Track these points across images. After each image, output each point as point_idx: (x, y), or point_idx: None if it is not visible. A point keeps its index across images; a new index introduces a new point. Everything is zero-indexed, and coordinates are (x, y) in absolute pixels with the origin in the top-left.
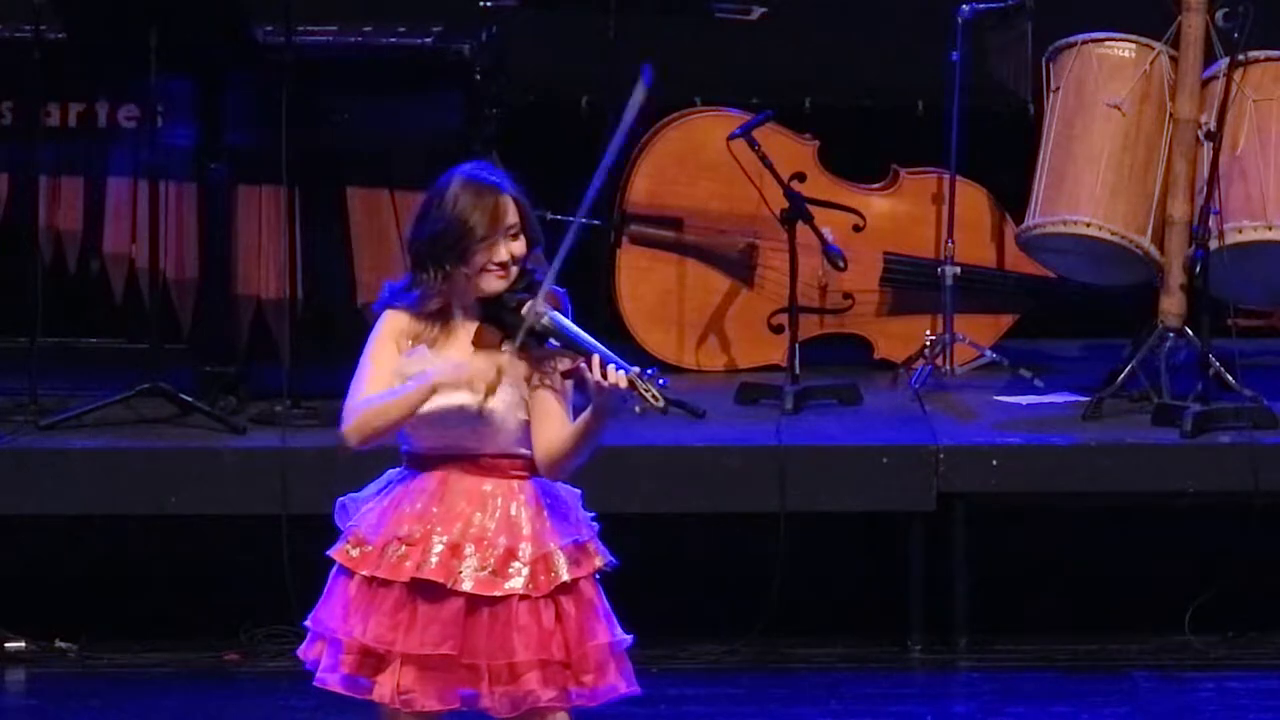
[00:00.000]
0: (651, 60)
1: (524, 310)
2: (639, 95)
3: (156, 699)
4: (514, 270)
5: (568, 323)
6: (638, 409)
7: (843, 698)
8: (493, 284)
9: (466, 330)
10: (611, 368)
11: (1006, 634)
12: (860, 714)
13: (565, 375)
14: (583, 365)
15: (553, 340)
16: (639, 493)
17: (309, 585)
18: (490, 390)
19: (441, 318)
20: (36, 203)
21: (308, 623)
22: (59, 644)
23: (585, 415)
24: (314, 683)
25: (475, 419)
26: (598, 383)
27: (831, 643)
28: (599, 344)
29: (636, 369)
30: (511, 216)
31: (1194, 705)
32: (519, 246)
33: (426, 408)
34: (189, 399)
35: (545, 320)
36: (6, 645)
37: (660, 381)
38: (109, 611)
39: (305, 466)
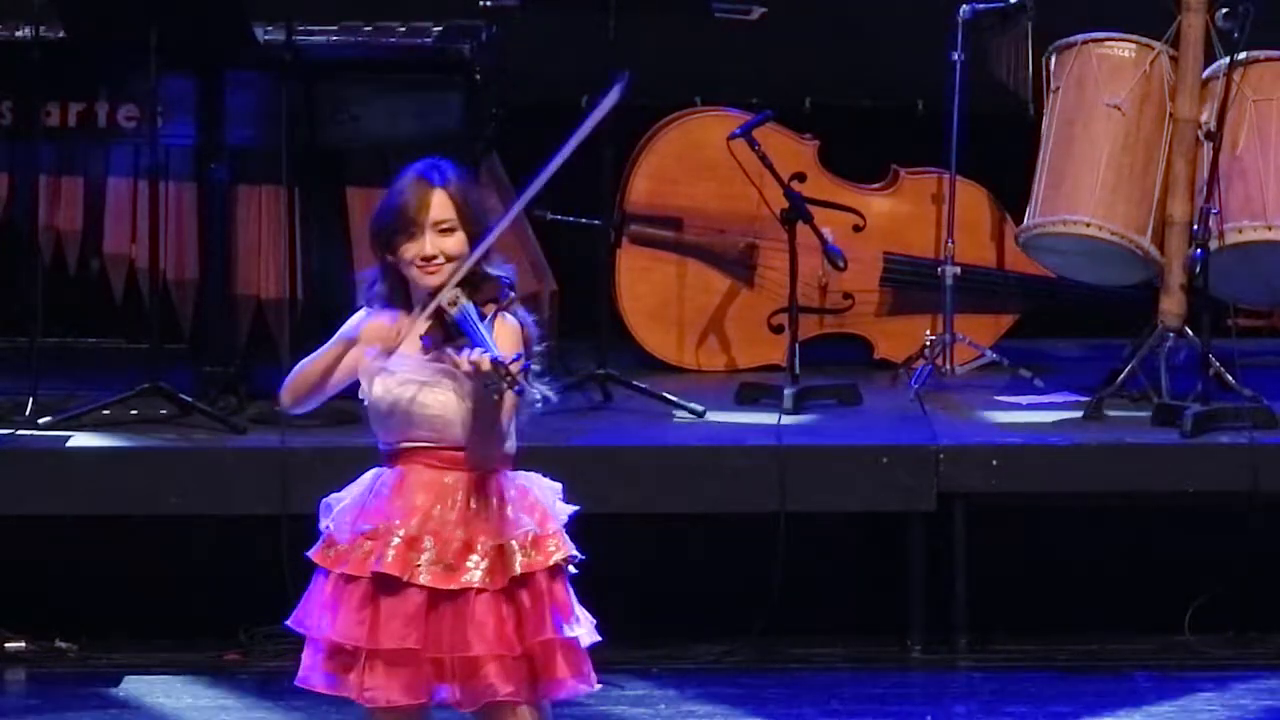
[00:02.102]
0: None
1: (445, 302)
2: (612, 98)
3: (156, 699)
4: (446, 267)
5: (471, 315)
6: (495, 397)
7: (843, 698)
8: (424, 279)
9: (422, 322)
10: (477, 351)
11: (1006, 634)
12: (860, 714)
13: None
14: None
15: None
16: (639, 493)
17: (309, 585)
18: (386, 347)
19: (404, 312)
20: (36, 203)
21: (289, 624)
22: (59, 644)
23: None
24: (296, 682)
25: (428, 411)
26: (466, 371)
27: (831, 643)
28: (486, 337)
29: (501, 355)
30: (440, 212)
31: (1194, 705)
32: (451, 243)
33: (377, 404)
34: (189, 399)
35: (453, 314)
36: (6, 645)
37: (524, 365)
38: (109, 611)
39: (305, 466)
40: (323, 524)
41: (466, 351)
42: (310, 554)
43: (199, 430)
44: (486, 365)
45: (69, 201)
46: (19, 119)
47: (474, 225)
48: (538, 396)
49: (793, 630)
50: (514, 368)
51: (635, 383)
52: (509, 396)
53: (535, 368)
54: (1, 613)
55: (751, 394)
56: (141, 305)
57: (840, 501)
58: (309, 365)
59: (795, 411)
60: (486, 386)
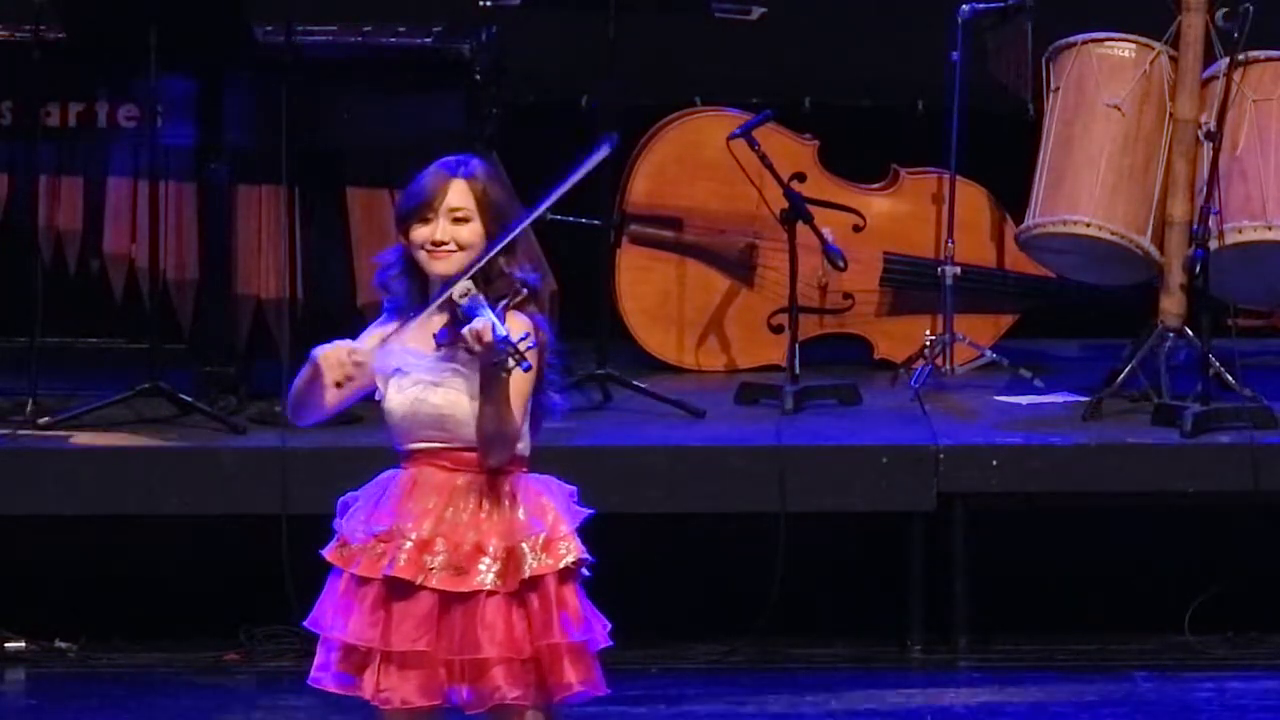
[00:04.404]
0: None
1: (455, 294)
2: (598, 156)
3: (156, 699)
4: (456, 255)
5: (480, 302)
6: (503, 373)
7: (843, 698)
8: (433, 265)
9: (437, 320)
10: (479, 322)
11: (1006, 634)
12: (860, 714)
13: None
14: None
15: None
16: (639, 493)
17: (309, 585)
18: (335, 377)
19: (417, 305)
20: (36, 203)
21: (305, 624)
22: (59, 644)
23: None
24: (308, 681)
25: (438, 410)
26: (469, 344)
27: (831, 643)
28: (492, 316)
29: (506, 332)
30: (456, 199)
31: (1194, 705)
32: (464, 232)
33: (389, 404)
34: (189, 399)
35: (463, 304)
36: (6, 645)
37: (531, 344)
38: (109, 611)
39: (305, 466)
40: (336, 523)
41: (470, 325)
42: (324, 552)
43: (199, 430)
44: (489, 337)
45: (69, 201)
46: (19, 119)
47: (493, 220)
48: (556, 399)
49: (793, 630)
50: (521, 345)
51: (635, 383)
52: (517, 377)
53: (554, 378)
54: (1, 613)
55: (751, 394)
56: (141, 305)
57: (840, 501)
58: (295, 382)
59: (795, 411)
60: (494, 364)
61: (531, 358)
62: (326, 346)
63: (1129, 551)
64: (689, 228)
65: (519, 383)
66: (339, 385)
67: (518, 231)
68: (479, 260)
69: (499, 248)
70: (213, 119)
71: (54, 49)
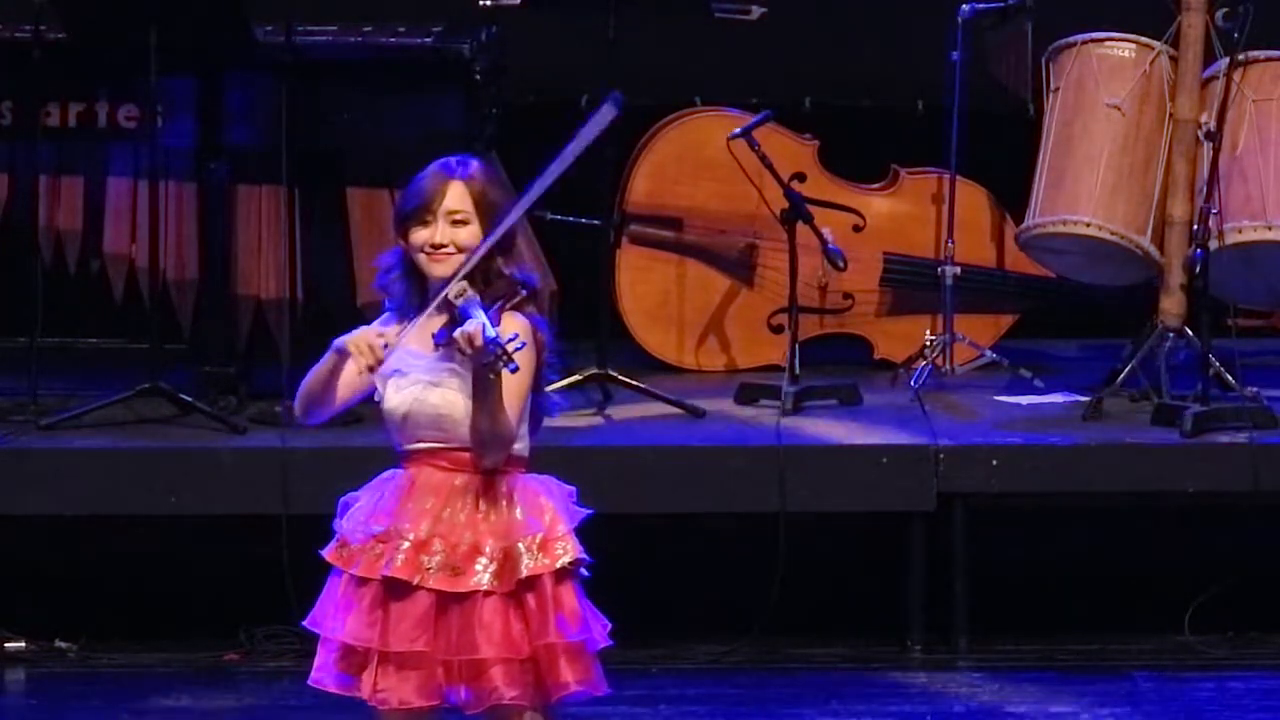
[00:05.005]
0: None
1: (451, 294)
2: (605, 116)
3: (156, 699)
4: (456, 257)
5: (475, 303)
6: (491, 375)
7: (843, 698)
8: (432, 268)
9: (436, 321)
10: (471, 323)
11: (1006, 634)
12: (860, 714)
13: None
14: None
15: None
16: (639, 493)
17: (309, 585)
18: (367, 361)
19: (417, 307)
20: (36, 203)
21: (305, 624)
22: (59, 644)
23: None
24: (308, 682)
25: (436, 410)
26: (460, 346)
27: (831, 643)
28: (484, 318)
29: (495, 333)
30: (455, 202)
31: (1194, 705)
32: (463, 235)
33: (388, 404)
34: (189, 399)
35: (459, 305)
36: (6, 645)
37: (519, 345)
38: (109, 611)
39: (305, 466)
40: (336, 523)
41: (462, 327)
42: (324, 553)
43: (199, 430)
44: (479, 340)
45: (69, 201)
46: (19, 119)
47: (492, 222)
48: (555, 399)
49: (793, 630)
50: (509, 346)
51: (635, 383)
52: (507, 379)
53: (553, 378)
54: (1, 613)
55: (751, 394)
56: (141, 305)
57: (840, 501)
58: (310, 376)
59: (795, 411)
60: (484, 365)
61: (520, 359)
62: (352, 334)
63: (1129, 551)
64: (689, 228)
65: (513, 384)
66: (371, 369)
67: (527, 204)
68: (480, 247)
69: (498, 233)
70: (213, 119)
71: (54, 49)
